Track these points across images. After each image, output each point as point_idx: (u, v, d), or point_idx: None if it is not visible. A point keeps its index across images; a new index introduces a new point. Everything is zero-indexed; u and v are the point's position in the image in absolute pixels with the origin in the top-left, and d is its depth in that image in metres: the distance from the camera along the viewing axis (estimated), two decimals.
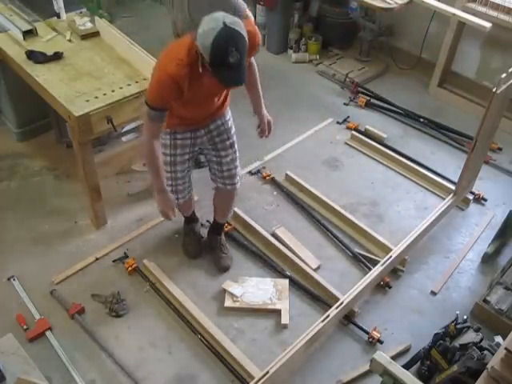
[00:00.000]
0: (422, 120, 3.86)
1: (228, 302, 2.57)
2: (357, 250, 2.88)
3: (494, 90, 2.53)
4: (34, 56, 2.78)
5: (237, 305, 2.56)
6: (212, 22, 1.72)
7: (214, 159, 2.45)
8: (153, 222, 2.98)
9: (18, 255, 2.77)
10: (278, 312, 2.55)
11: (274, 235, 2.92)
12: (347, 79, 4.28)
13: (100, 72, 2.74)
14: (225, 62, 1.72)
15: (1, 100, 3.45)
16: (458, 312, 2.26)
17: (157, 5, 5.25)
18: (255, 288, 2.63)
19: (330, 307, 2.45)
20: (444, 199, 3.11)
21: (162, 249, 2.84)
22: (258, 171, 3.37)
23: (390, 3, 3.88)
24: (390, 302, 2.66)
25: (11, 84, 3.22)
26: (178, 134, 2.26)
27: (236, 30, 1.72)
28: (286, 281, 2.68)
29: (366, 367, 2.22)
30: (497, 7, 3.67)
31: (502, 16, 3.63)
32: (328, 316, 2.38)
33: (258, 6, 4.69)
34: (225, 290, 2.63)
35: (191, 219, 2.84)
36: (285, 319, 2.51)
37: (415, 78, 4.39)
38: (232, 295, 2.59)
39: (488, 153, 3.38)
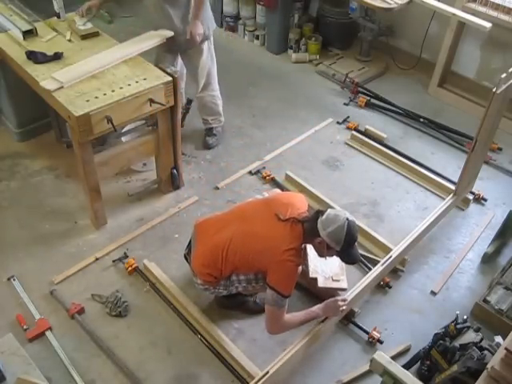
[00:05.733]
0: (422, 120, 3.86)
1: None
2: None
3: (493, 90, 2.53)
4: (34, 56, 2.78)
5: None
6: (338, 221, 2.11)
7: None
8: (153, 222, 2.98)
9: (18, 255, 2.77)
10: None
11: None
12: (347, 79, 4.28)
13: (100, 72, 2.73)
14: (353, 245, 2.19)
15: (1, 100, 3.44)
16: (458, 312, 2.26)
17: None
18: None
19: None
20: (444, 199, 3.11)
21: (161, 249, 2.84)
22: (258, 171, 3.37)
23: (390, 3, 3.87)
24: (389, 302, 2.66)
25: (11, 84, 3.22)
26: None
27: (354, 221, 2.16)
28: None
29: (366, 367, 2.23)
30: (497, 7, 3.66)
31: (502, 16, 3.63)
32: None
33: (257, 5, 4.70)
34: None
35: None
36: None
37: (415, 78, 4.39)
38: None
39: (488, 153, 3.38)
